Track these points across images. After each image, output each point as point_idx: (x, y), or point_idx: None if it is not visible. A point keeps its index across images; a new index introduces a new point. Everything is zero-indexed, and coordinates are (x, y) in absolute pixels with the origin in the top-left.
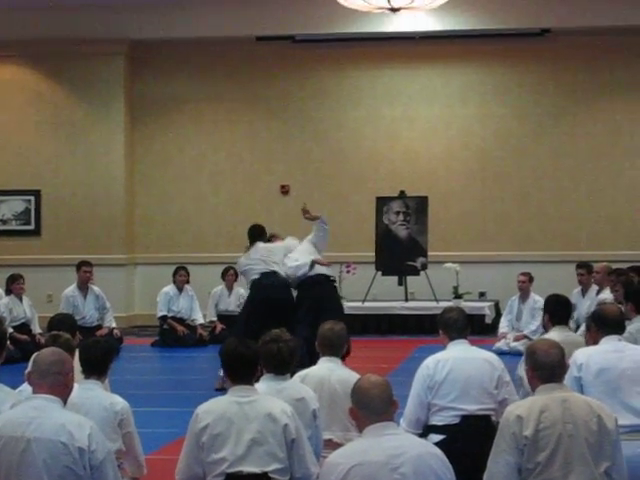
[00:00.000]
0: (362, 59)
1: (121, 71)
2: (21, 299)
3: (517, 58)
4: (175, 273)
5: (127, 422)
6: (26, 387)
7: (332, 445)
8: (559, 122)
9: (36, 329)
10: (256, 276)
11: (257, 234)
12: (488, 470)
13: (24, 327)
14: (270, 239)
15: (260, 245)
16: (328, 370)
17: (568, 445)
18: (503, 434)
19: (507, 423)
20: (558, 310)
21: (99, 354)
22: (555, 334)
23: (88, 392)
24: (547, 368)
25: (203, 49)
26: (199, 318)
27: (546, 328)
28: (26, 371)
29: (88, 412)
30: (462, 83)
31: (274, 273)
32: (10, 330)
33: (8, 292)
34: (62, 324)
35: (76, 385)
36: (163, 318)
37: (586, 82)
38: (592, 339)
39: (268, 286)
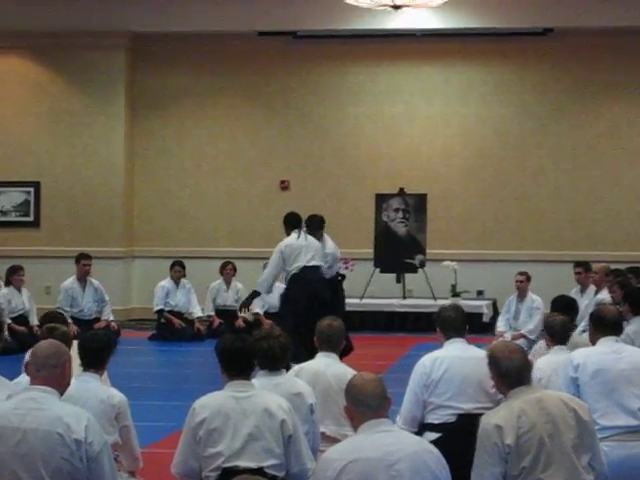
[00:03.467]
0: (363, 56)
1: (122, 64)
2: (20, 290)
3: (518, 57)
4: (171, 268)
5: (124, 415)
6: (23, 378)
7: (325, 439)
8: (559, 122)
9: (34, 321)
10: (299, 268)
11: (319, 225)
12: None
13: (22, 318)
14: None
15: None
16: (324, 365)
17: (549, 445)
18: (484, 445)
19: (486, 434)
20: (564, 311)
21: (97, 347)
22: None
23: (85, 385)
24: (513, 374)
25: (204, 43)
26: (197, 311)
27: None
28: (24, 362)
29: (85, 405)
30: (463, 81)
31: (318, 268)
32: (8, 321)
33: (7, 283)
34: (57, 318)
35: (73, 378)
36: (160, 312)
37: (587, 82)
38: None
39: (314, 282)
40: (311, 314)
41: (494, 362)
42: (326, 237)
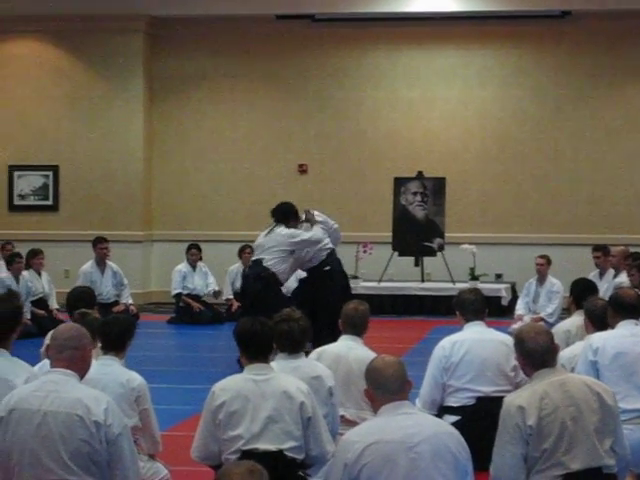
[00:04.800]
0: (382, 39)
1: (140, 48)
2: (40, 274)
3: (536, 40)
4: (187, 251)
5: (144, 399)
6: (46, 363)
7: (345, 422)
8: (578, 105)
9: (54, 305)
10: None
11: (281, 218)
12: (494, 463)
13: (41, 302)
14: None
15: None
16: (346, 348)
17: (572, 428)
18: (506, 426)
19: (509, 414)
20: (584, 294)
21: (118, 330)
22: (577, 318)
23: (106, 368)
24: (537, 355)
25: (222, 26)
26: (213, 285)
27: (570, 310)
28: (42, 347)
29: (105, 388)
30: (481, 65)
31: (258, 262)
32: (30, 306)
33: (27, 267)
34: (81, 300)
35: (94, 361)
36: (178, 296)
37: (605, 65)
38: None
39: (246, 277)
40: (249, 309)
41: (519, 342)
42: (316, 227)
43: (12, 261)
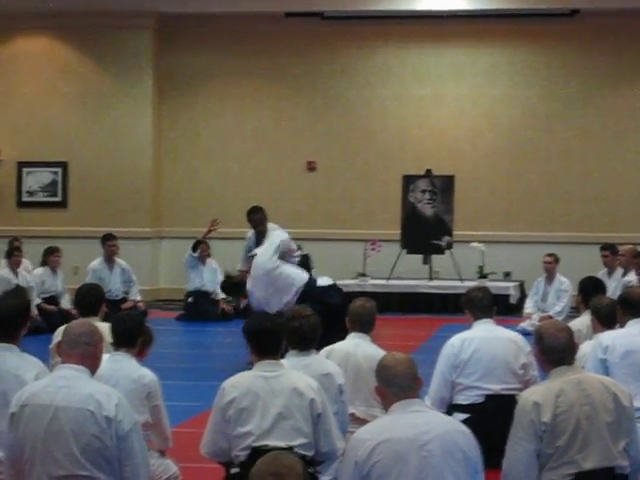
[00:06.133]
0: (391, 37)
1: (149, 44)
2: (55, 272)
3: (546, 38)
4: (195, 247)
5: (155, 395)
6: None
7: (355, 420)
8: (587, 103)
9: (66, 304)
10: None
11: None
12: (507, 458)
13: (53, 300)
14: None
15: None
16: (354, 346)
17: (586, 427)
18: (520, 421)
19: (524, 410)
20: (592, 292)
21: (130, 327)
22: (587, 317)
23: (117, 364)
24: (557, 352)
25: (231, 24)
26: (221, 292)
27: (579, 309)
28: (52, 343)
29: (117, 384)
30: (490, 63)
31: None
32: (38, 301)
33: (44, 263)
34: (90, 295)
35: (106, 356)
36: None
37: (614, 63)
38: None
39: None
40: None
41: (539, 338)
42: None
43: (11, 254)
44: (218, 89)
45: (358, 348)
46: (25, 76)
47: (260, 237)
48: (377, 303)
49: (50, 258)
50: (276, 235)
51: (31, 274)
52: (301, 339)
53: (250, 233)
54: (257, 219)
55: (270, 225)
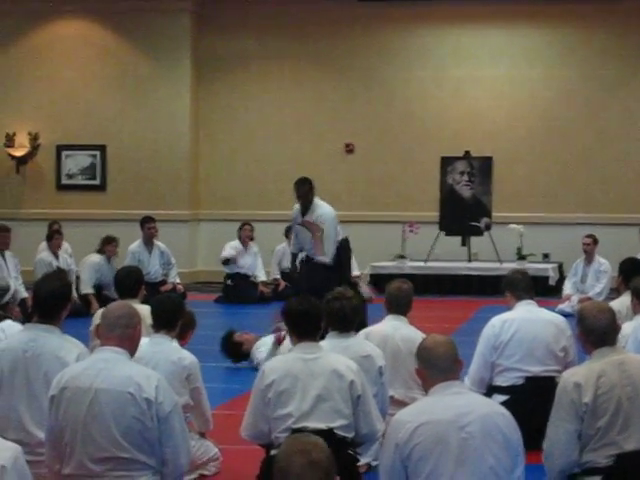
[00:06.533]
0: (429, 18)
1: (187, 27)
2: (110, 261)
3: (584, 20)
4: (240, 228)
5: (195, 377)
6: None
7: (394, 402)
8: (625, 84)
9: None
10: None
11: None
12: (548, 438)
13: (102, 289)
14: None
15: None
16: (392, 328)
17: (627, 408)
18: (562, 402)
19: (565, 391)
20: (632, 274)
21: (170, 309)
22: (627, 298)
23: (157, 346)
24: (598, 333)
25: (269, 7)
26: (261, 275)
27: (619, 290)
28: (91, 326)
29: (156, 366)
30: (528, 44)
31: None
32: (91, 291)
33: (101, 252)
34: (129, 278)
35: (146, 339)
36: (227, 261)
37: None
38: None
39: None
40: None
41: (581, 319)
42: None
43: (51, 237)
44: (256, 72)
45: (396, 331)
46: (63, 60)
47: (305, 210)
48: (415, 285)
49: (107, 247)
50: (331, 228)
51: (83, 261)
52: (342, 320)
53: (281, 246)
54: (303, 192)
55: (319, 202)
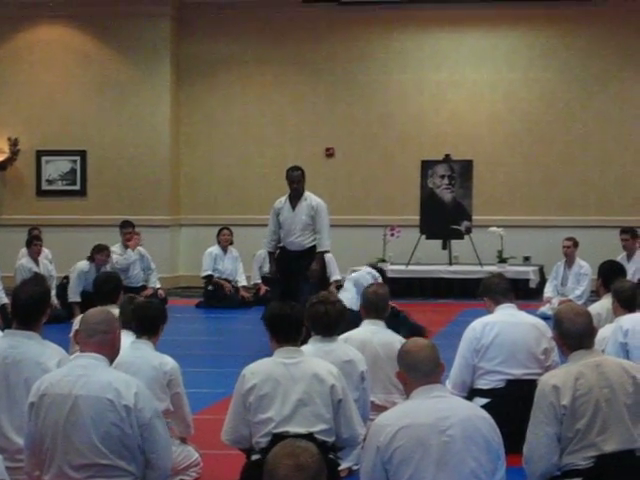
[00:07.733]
0: (409, 22)
1: (167, 32)
2: (98, 270)
3: (565, 22)
4: (218, 233)
5: (176, 382)
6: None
7: (374, 407)
8: (606, 87)
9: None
10: None
11: None
12: (528, 442)
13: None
14: None
15: None
16: (370, 333)
17: (606, 410)
18: (540, 405)
19: (543, 394)
20: (611, 276)
21: (152, 314)
22: (607, 301)
23: (138, 351)
24: (575, 336)
25: (249, 11)
26: (242, 280)
27: (599, 293)
28: (71, 332)
29: (138, 371)
30: (509, 47)
31: None
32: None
33: (91, 260)
34: (107, 283)
35: (127, 343)
36: (208, 277)
37: (634, 47)
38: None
39: None
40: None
41: (558, 322)
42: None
43: (30, 243)
44: (236, 76)
45: (374, 335)
46: (43, 65)
47: (294, 200)
48: (397, 289)
49: (97, 256)
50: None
51: (73, 268)
52: (326, 325)
53: (262, 251)
54: (296, 176)
55: (309, 194)
